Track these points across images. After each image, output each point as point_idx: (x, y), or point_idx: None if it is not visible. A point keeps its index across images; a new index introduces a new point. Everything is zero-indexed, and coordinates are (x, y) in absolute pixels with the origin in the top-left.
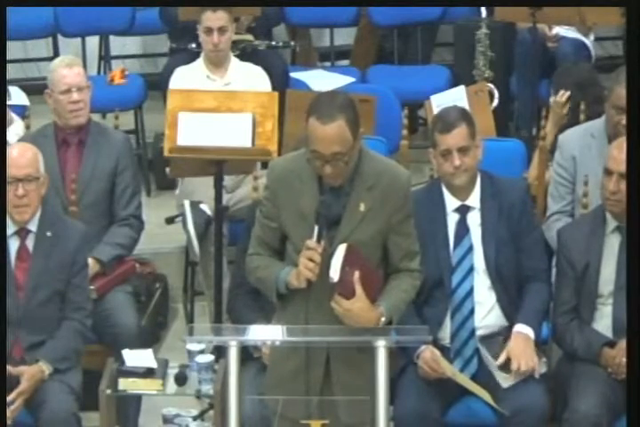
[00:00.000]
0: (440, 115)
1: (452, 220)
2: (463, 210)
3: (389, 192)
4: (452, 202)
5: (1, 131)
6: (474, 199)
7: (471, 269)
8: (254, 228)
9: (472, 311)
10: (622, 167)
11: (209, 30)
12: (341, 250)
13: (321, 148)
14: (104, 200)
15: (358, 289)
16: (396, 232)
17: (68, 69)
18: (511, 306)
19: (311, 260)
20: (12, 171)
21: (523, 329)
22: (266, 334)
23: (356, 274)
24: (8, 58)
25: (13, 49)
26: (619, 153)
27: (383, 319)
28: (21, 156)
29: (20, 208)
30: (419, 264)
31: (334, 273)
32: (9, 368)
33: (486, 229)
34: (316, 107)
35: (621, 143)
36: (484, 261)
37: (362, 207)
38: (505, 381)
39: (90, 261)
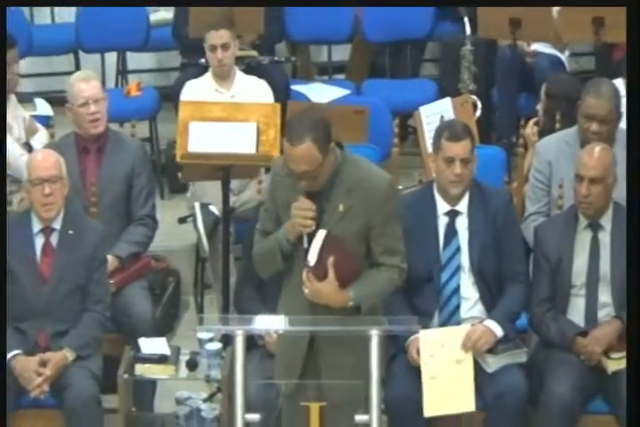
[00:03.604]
0: (449, 124)
1: (442, 222)
2: (452, 214)
3: (369, 195)
4: (442, 206)
5: (1, 130)
6: (463, 205)
7: (458, 268)
8: (258, 222)
9: (458, 305)
10: (592, 173)
11: (213, 47)
12: (320, 237)
13: (292, 166)
14: (121, 202)
15: (331, 273)
16: (378, 230)
17: (86, 83)
18: (492, 302)
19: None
20: (37, 173)
21: (491, 325)
22: (269, 323)
23: (331, 259)
24: (34, 72)
25: (38, 64)
26: (588, 159)
27: (350, 303)
28: (45, 159)
29: (46, 206)
30: (400, 262)
31: (312, 257)
32: (35, 357)
33: (472, 232)
34: (287, 128)
35: (591, 150)
36: (470, 261)
37: (340, 208)
38: (488, 366)
39: (109, 257)
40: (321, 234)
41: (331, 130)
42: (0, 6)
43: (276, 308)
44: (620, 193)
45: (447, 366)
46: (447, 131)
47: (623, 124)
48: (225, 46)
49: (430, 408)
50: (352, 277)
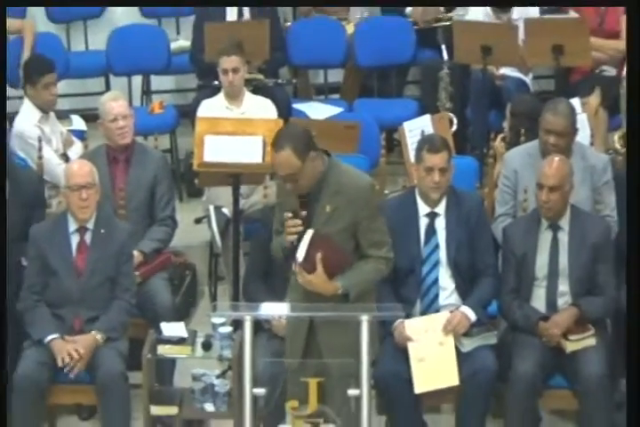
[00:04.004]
0: (429, 138)
1: (423, 223)
2: (432, 216)
3: (354, 196)
4: (423, 208)
5: (1, 130)
6: (441, 208)
7: (437, 263)
8: (274, 223)
9: (437, 295)
10: (550, 182)
11: (225, 71)
12: (307, 236)
13: (276, 170)
14: (145, 205)
15: (319, 267)
16: (364, 227)
17: (115, 102)
18: (466, 291)
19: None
20: (75, 180)
21: (466, 311)
22: (273, 310)
23: (318, 255)
24: (70, 92)
25: (74, 85)
26: (548, 170)
27: (340, 291)
28: (81, 168)
29: (83, 209)
30: (386, 252)
31: (300, 254)
32: (67, 337)
33: (449, 231)
34: (274, 137)
35: (550, 162)
36: (447, 256)
37: (327, 208)
38: (463, 347)
39: (135, 252)
40: (308, 234)
41: (311, 140)
42: (0, 6)
43: (280, 297)
44: (576, 197)
45: (432, 348)
46: (427, 144)
47: (578, 138)
48: (235, 70)
49: (420, 386)
50: (340, 268)
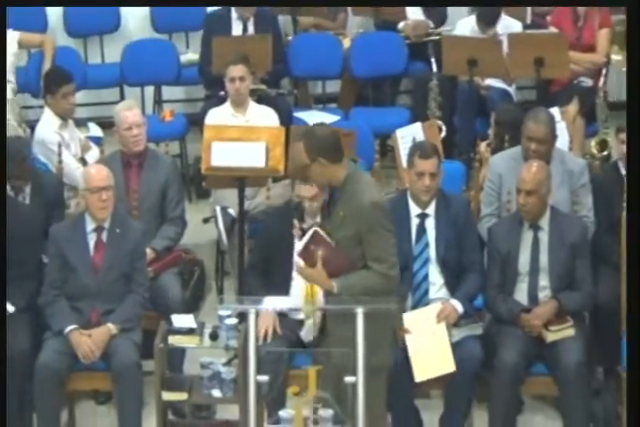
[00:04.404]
0: (420, 145)
1: (415, 223)
2: (422, 216)
3: (357, 209)
4: (414, 209)
5: (1, 130)
6: (431, 209)
7: (427, 260)
8: None
9: (427, 290)
10: (527, 187)
11: (233, 79)
12: (309, 233)
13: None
14: (157, 206)
15: (319, 264)
16: (365, 240)
17: (129, 112)
18: (454, 286)
19: None
20: (94, 183)
21: (454, 304)
22: (275, 303)
23: (320, 252)
24: (87, 102)
25: (91, 95)
26: (525, 175)
27: (335, 290)
28: (98, 172)
29: (102, 209)
30: (387, 269)
31: (298, 248)
32: (83, 331)
33: (438, 231)
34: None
35: (528, 167)
36: (436, 254)
37: (340, 214)
38: (452, 337)
39: (148, 250)
40: (310, 232)
41: (327, 146)
42: (0, 6)
43: (278, 293)
44: (555, 199)
45: (427, 338)
46: (419, 150)
47: (558, 144)
48: (242, 79)
49: (420, 375)
50: (339, 270)
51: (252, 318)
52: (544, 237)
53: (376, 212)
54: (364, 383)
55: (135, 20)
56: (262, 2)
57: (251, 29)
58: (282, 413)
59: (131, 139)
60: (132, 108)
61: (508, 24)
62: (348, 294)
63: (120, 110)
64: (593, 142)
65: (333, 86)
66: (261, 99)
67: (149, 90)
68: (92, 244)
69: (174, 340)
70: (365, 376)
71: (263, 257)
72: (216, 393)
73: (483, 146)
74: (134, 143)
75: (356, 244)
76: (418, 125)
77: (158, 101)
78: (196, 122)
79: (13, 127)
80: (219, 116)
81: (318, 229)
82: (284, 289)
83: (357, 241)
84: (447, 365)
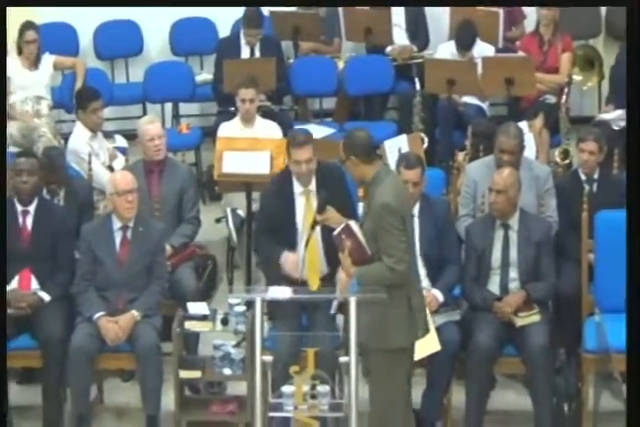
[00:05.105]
0: (406, 155)
1: None
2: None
3: (372, 209)
4: None
5: (1, 131)
6: (415, 211)
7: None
8: None
9: None
10: (497, 186)
11: (243, 100)
12: (342, 225)
13: None
14: (176, 208)
15: (346, 251)
16: (378, 236)
17: (151, 125)
18: (435, 278)
19: None
20: (122, 187)
21: (436, 293)
22: (279, 292)
23: (348, 243)
24: (114, 116)
25: (117, 111)
26: (497, 178)
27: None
28: (124, 178)
29: (128, 210)
30: (394, 263)
31: (336, 231)
32: (110, 318)
33: (421, 230)
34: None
35: (500, 172)
36: (420, 250)
37: (366, 210)
38: (433, 323)
39: (167, 246)
40: (343, 224)
41: (355, 145)
42: (0, 6)
43: (286, 247)
44: (523, 202)
45: None
46: (405, 161)
47: (526, 153)
48: (251, 100)
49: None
50: (361, 262)
51: (258, 305)
52: (513, 235)
53: (384, 212)
54: (373, 363)
55: (156, 45)
56: (262, 2)
57: (257, 53)
58: (284, 388)
59: (152, 148)
60: (154, 121)
61: (482, 48)
62: (362, 281)
63: (143, 124)
64: (556, 152)
65: (329, 103)
66: (266, 114)
67: (168, 106)
68: (118, 241)
69: (190, 325)
70: (381, 356)
71: (268, 215)
72: (226, 371)
73: (460, 155)
74: (156, 153)
75: (373, 238)
76: (403, 137)
77: (176, 116)
78: (210, 134)
79: (49, 139)
80: (229, 129)
81: (351, 223)
82: (289, 245)
83: (373, 236)
84: (434, 345)
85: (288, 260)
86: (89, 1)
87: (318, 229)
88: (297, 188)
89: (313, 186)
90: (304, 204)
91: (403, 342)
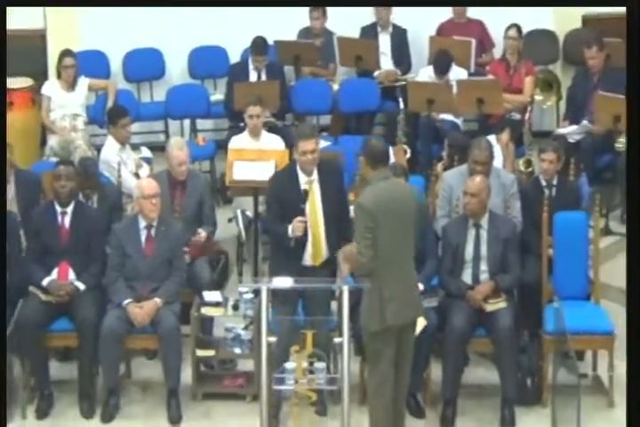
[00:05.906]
0: (392, 166)
1: None
2: None
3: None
4: None
5: (1, 131)
6: None
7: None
8: None
9: None
10: (471, 190)
11: (251, 116)
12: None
13: None
14: (195, 213)
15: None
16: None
17: (180, 151)
18: (417, 270)
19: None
20: (147, 191)
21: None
22: (282, 282)
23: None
24: (140, 131)
25: (143, 126)
26: (470, 184)
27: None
28: (149, 184)
29: (152, 211)
30: (358, 256)
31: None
32: (137, 304)
33: None
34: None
35: (473, 179)
36: None
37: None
38: None
39: (202, 232)
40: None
41: (371, 151)
42: (0, 6)
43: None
44: (492, 204)
45: None
46: (391, 171)
47: (495, 163)
48: (258, 116)
49: None
50: None
51: (264, 293)
52: (484, 233)
53: (358, 210)
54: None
55: (176, 70)
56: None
57: (263, 77)
58: (286, 365)
59: (179, 171)
60: (183, 147)
61: (457, 72)
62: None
63: (174, 148)
64: (520, 161)
65: (325, 119)
66: (271, 129)
67: (187, 122)
68: (143, 238)
69: (205, 310)
70: (368, 338)
71: (276, 200)
72: (237, 350)
73: (438, 165)
74: (180, 174)
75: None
76: (389, 149)
77: (194, 130)
78: (222, 146)
79: (84, 150)
80: (239, 141)
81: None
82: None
83: None
84: (420, 323)
85: (296, 220)
86: (89, 1)
87: (321, 215)
88: (302, 178)
89: (315, 176)
90: (308, 191)
91: (372, 326)
